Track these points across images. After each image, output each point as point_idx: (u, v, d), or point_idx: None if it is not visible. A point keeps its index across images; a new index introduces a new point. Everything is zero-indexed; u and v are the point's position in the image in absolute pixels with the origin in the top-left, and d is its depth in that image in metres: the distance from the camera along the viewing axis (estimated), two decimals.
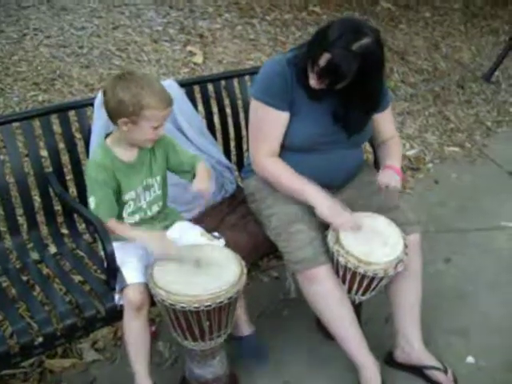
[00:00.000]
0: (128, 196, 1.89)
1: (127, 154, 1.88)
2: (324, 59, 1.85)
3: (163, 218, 2.03)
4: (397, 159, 2.20)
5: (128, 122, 1.75)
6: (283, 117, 2.05)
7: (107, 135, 1.91)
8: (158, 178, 1.96)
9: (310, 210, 2.05)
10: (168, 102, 1.79)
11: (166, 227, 2.02)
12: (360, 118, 2.09)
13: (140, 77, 1.78)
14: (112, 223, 1.83)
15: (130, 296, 1.77)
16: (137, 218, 1.95)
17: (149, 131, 1.79)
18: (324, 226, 2.06)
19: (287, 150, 2.10)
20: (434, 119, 4.72)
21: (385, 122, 2.25)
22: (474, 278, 2.78)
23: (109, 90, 1.77)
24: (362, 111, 2.07)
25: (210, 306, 1.68)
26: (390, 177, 2.08)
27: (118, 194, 1.88)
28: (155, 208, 1.99)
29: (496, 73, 5.64)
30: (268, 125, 2.07)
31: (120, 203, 1.89)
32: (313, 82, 1.97)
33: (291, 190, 2.06)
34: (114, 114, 1.77)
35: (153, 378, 1.88)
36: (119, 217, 1.91)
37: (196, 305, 1.67)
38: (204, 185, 1.90)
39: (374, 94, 2.04)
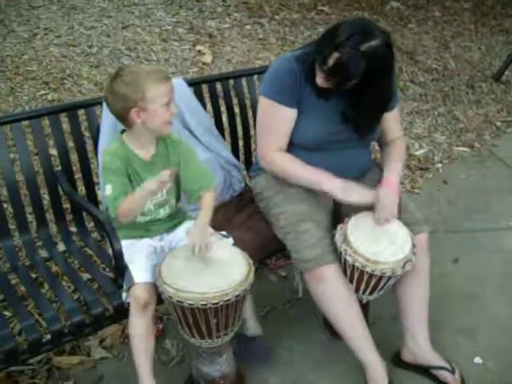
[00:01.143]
0: None
1: (143, 152, 1.89)
2: (332, 58, 1.85)
3: (171, 217, 2.03)
4: (396, 168, 2.15)
5: (139, 110, 1.76)
6: (291, 113, 2.05)
7: (123, 130, 1.91)
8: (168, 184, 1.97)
9: (318, 208, 2.06)
10: (164, 75, 1.80)
11: (174, 226, 2.03)
12: (370, 119, 2.09)
13: (129, 66, 1.86)
14: (122, 205, 1.80)
15: (136, 293, 1.78)
16: (147, 218, 1.95)
17: (161, 112, 1.79)
18: (332, 225, 2.06)
19: (295, 148, 2.10)
20: (443, 119, 4.70)
21: (391, 121, 2.23)
22: (482, 279, 2.77)
23: (108, 94, 1.79)
24: (372, 112, 2.06)
25: (217, 303, 1.69)
26: (388, 202, 2.01)
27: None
28: (162, 211, 1.98)
29: (506, 72, 5.60)
30: (276, 121, 2.07)
31: None
32: (320, 80, 1.96)
33: (302, 180, 2.06)
34: (123, 112, 1.77)
35: (157, 378, 1.87)
36: None
37: (203, 302, 1.68)
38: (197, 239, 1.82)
39: (383, 95, 2.04)
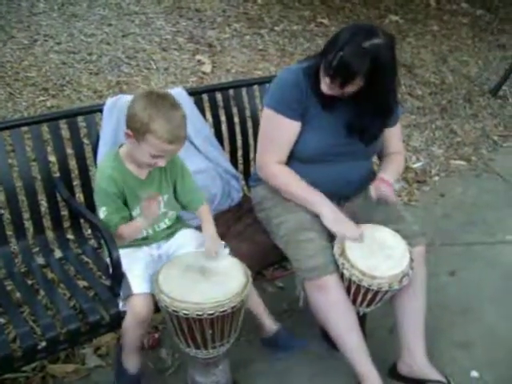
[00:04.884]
0: (135, 212, 1.89)
1: (139, 170, 1.88)
2: (336, 58, 1.85)
3: (170, 226, 2.03)
4: (391, 172, 2.15)
5: (131, 136, 1.74)
6: (294, 126, 2.05)
7: (121, 145, 1.90)
8: (165, 197, 1.96)
9: (319, 218, 2.06)
10: (175, 139, 1.73)
11: (172, 234, 2.02)
12: (374, 126, 2.09)
13: (165, 104, 1.72)
14: (120, 228, 1.83)
15: (135, 307, 1.77)
16: (144, 233, 1.96)
17: (146, 156, 1.76)
18: (332, 236, 2.06)
19: (297, 160, 2.10)
20: (440, 132, 4.72)
21: (392, 137, 2.24)
22: (478, 292, 2.77)
23: (134, 98, 1.77)
24: (376, 118, 2.07)
25: (212, 314, 1.68)
26: (380, 189, 2.04)
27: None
28: (162, 225, 1.99)
29: (503, 87, 5.65)
30: (278, 133, 2.07)
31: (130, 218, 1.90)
32: (325, 86, 1.96)
33: (298, 198, 2.07)
34: (126, 121, 1.77)
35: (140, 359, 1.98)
36: None
37: (199, 312, 1.67)
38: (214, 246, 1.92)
39: (387, 98, 2.03)
